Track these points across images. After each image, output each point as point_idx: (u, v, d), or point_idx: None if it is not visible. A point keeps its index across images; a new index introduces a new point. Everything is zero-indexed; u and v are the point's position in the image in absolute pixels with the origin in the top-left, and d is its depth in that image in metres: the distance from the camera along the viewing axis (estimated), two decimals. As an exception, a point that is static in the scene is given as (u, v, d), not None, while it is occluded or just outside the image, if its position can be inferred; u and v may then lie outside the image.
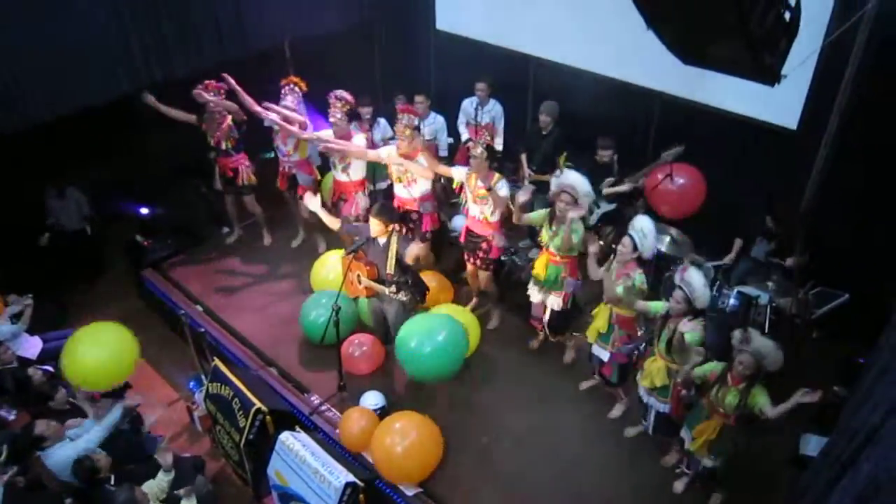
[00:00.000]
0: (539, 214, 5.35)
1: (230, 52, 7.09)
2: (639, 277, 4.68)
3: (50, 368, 5.80)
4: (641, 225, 4.69)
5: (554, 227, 5.19)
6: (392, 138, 6.98)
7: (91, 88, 6.20)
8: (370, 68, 9.23)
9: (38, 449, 4.80)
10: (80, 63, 6.01)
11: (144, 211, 7.83)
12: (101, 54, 6.15)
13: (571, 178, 5.04)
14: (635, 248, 4.66)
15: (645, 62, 5.89)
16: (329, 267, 6.56)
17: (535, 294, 5.58)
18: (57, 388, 5.48)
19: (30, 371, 5.60)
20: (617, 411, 5.51)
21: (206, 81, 6.69)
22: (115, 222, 8.00)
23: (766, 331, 5.10)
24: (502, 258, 6.18)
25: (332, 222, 5.67)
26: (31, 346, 6.23)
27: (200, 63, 6.87)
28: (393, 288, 5.40)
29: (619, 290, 4.64)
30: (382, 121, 7.31)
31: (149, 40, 6.45)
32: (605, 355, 5.13)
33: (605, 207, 6.36)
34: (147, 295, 7.41)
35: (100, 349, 5.30)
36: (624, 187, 6.17)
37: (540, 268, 5.40)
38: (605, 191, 6.21)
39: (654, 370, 4.62)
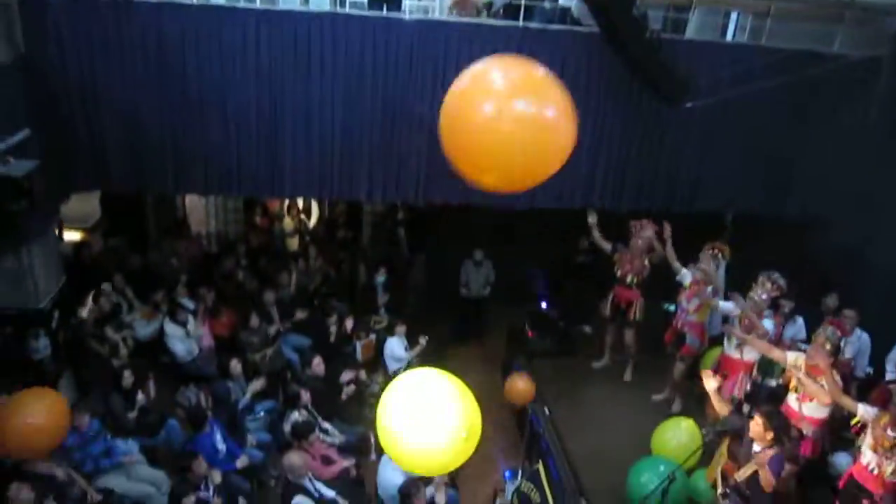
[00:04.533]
0: None
1: (676, 204, 7.46)
2: None
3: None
4: None
5: None
6: (803, 342, 6.47)
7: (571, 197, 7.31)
8: (804, 264, 8.62)
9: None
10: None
11: (543, 305, 8.61)
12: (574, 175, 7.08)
13: None
14: None
15: None
16: (675, 432, 6.28)
17: None
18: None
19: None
20: None
21: (647, 221, 7.14)
22: (513, 301, 8.99)
23: None
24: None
25: (722, 407, 5.39)
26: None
27: (649, 205, 7.38)
28: (725, 492, 4.93)
29: None
30: (800, 320, 6.83)
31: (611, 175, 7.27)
32: None
33: None
34: (508, 374, 8.04)
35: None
36: None
37: None
38: None
39: None
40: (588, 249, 9.02)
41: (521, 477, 6.22)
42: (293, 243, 10.59)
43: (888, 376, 6.54)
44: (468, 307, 9.44)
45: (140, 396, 6.69)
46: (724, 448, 5.21)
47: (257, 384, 7.03)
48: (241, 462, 6.21)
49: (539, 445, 6.52)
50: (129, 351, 7.45)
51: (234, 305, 8.40)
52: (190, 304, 7.88)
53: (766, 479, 4.66)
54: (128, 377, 6.65)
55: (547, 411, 7.09)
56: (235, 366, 7.14)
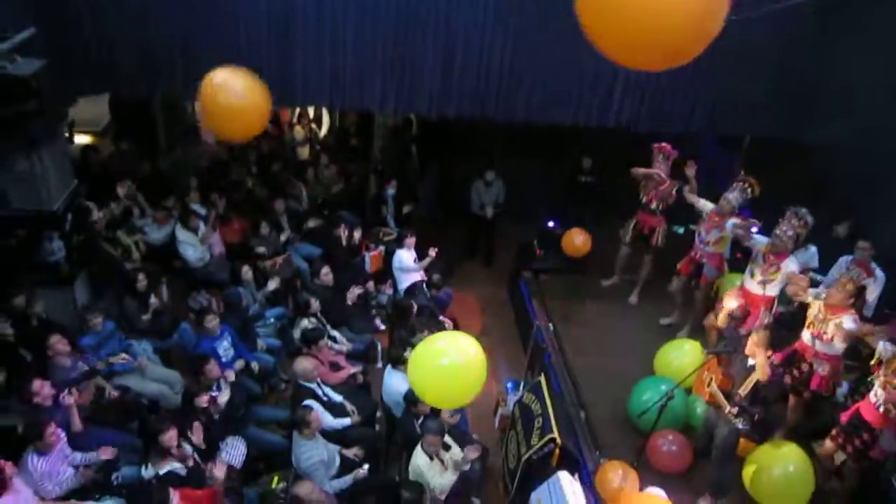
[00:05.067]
0: None
1: (695, 126, 7.31)
2: None
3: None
4: None
5: None
6: (815, 271, 6.46)
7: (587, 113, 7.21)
8: (818, 191, 8.48)
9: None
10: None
11: (551, 224, 8.60)
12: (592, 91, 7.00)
13: None
14: None
15: None
16: (678, 354, 6.41)
17: None
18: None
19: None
20: None
21: (665, 144, 7.02)
22: (521, 219, 9.07)
23: None
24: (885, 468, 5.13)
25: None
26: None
27: (667, 126, 7.24)
28: (735, 410, 5.06)
29: None
30: (812, 249, 6.75)
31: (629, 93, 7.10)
32: None
33: None
34: (515, 290, 8.17)
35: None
36: None
37: None
38: None
39: None
40: (590, 170, 8.98)
41: (523, 388, 6.38)
42: (304, 152, 10.54)
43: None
44: (478, 225, 9.46)
45: (153, 300, 6.82)
46: (710, 366, 5.32)
47: (271, 284, 7.21)
48: (254, 367, 6.41)
49: (542, 359, 6.68)
50: (141, 255, 7.55)
51: (244, 213, 8.44)
52: (201, 211, 7.93)
53: (763, 372, 4.87)
54: (141, 280, 6.75)
55: (552, 327, 7.22)
56: (246, 272, 7.25)
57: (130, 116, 9.41)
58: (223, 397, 5.65)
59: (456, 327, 7.22)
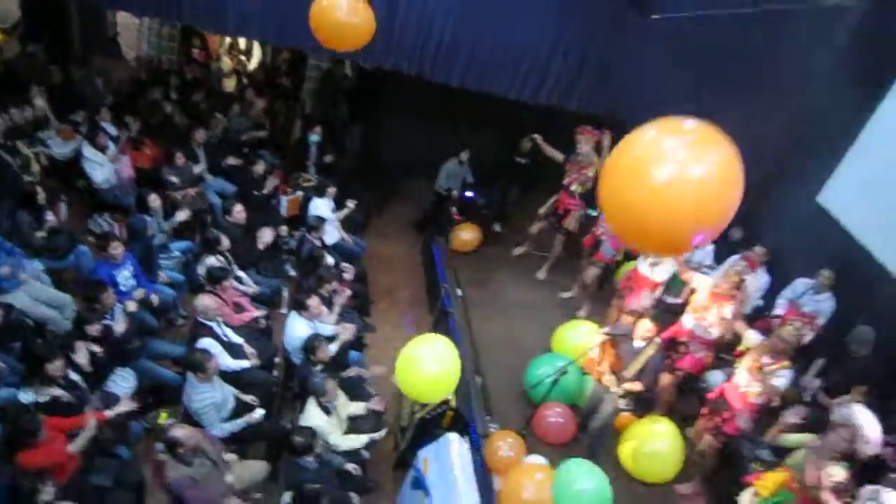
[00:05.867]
0: (799, 439, 4.86)
1: (622, 113, 7.52)
2: None
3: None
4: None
5: (814, 455, 4.58)
6: (709, 267, 6.84)
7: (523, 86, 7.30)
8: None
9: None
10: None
11: (470, 194, 8.72)
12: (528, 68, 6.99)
13: (862, 418, 4.43)
14: None
15: None
16: (576, 334, 6.67)
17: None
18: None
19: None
20: None
21: (586, 127, 7.17)
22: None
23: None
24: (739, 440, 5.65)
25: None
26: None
27: (596, 109, 7.41)
28: (620, 391, 5.37)
29: None
30: (710, 247, 7.17)
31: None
32: None
33: None
34: (427, 251, 8.24)
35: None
36: None
37: (770, 483, 4.78)
38: None
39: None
40: (528, 152, 9.08)
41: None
42: (230, 84, 10.13)
43: (776, 311, 7.04)
44: (440, 203, 9.30)
45: (50, 217, 6.44)
46: (604, 347, 5.60)
47: (181, 214, 6.96)
48: (153, 299, 6.21)
49: (446, 322, 6.80)
50: (42, 168, 7.10)
51: (159, 139, 8.06)
52: (112, 130, 7.51)
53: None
54: (40, 194, 6.36)
55: (460, 292, 7.35)
56: (154, 200, 6.95)
57: (44, 17, 8.75)
58: (118, 327, 5.45)
59: (364, 285, 7.24)
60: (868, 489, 4.34)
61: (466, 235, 8.39)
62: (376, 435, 5.45)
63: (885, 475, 4.73)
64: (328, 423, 5.15)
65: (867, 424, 4.39)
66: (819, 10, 6.80)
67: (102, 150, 7.18)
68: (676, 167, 2.17)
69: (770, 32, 6.86)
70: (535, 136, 7.50)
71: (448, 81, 7.23)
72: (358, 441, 5.28)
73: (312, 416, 5.12)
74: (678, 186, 2.17)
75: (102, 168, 7.19)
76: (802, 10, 6.65)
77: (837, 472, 4.27)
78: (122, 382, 5.33)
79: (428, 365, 4.48)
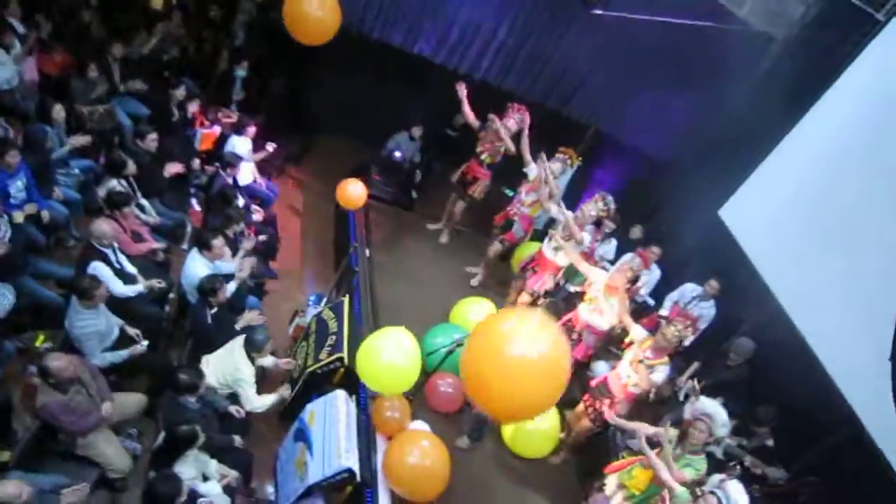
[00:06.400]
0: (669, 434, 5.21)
1: (552, 101, 7.66)
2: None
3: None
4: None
5: (679, 450, 4.92)
6: (610, 262, 7.16)
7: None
8: (640, 194, 9.23)
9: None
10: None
11: (397, 154, 8.66)
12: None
13: (711, 407, 4.85)
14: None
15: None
16: (474, 310, 6.76)
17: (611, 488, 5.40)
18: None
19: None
20: None
21: (514, 104, 7.24)
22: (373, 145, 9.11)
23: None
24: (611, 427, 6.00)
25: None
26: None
27: (528, 93, 7.51)
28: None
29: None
30: (613, 242, 7.51)
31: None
32: None
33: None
34: (340, 208, 8.13)
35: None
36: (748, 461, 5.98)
37: (640, 479, 5.09)
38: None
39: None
40: (458, 128, 9.03)
41: (325, 304, 6.47)
42: (157, 1, 9.55)
43: (662, 311, 7.47)
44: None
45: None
46: None
47: (81, 139, 6.52)
48: (44, 215, 5.86)
49: (351, 282, 6.78)
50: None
51: (72, 48, 7.53)
52: (20, 28, 6.96)
53: None
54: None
55: (367, 252, 7.34)
56: (59, 111, 6.50)
57: None
58: (2, 240, 5.14)
59: (274, 230, 7.12)
60: (715, 478, 4.85)
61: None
62: (286, 394, 5.50)
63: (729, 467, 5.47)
64: (251, 374, 5.13)
65: (717, 411, 4.83)
66: (750, 33, 7.17)
67: (6, 47, 6.64)
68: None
69: (704, 45, 7.14)
70: (461, 82, 7.34)
71: (388, 41, 7.14)
72: (269, 400, 5.29)
73: (241, 364, 5.08)
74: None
75: (4, 67, 6.65)
76: (735, 30, 6.99)
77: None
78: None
79: (390, 357, 4.72)
